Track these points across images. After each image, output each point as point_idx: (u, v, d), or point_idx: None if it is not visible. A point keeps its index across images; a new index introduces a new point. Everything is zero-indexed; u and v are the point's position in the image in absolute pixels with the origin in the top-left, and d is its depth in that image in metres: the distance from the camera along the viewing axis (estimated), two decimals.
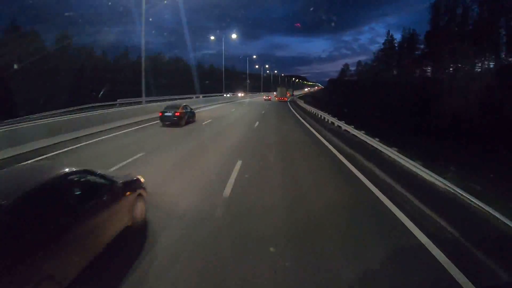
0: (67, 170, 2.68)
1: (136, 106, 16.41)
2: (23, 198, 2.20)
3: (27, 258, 1.99)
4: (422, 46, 41.52)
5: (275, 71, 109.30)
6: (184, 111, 13.10)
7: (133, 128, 11.91)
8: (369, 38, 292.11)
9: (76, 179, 2.78)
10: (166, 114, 12.70)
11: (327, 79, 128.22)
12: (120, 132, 10.84)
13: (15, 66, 20.59)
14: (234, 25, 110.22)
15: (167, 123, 12.57)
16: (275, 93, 59.81)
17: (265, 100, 43.59)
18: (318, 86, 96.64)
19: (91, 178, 2.98)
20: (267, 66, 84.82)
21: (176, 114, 12.60)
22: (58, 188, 2.52)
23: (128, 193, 3.37)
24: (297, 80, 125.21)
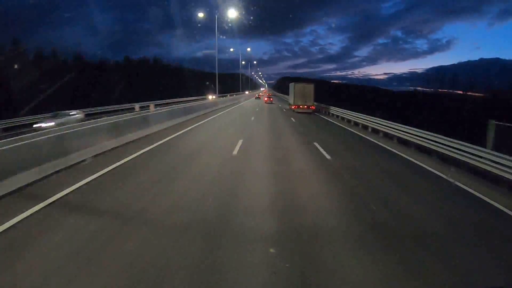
0: None
1: None
2: None
3: None
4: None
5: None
6: None
7: None
8: (311, 40, 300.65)
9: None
10: None
11: (270, 82, 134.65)
12: None
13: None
14: (170, 28, 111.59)
15: None
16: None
17: None
18: (265, 88, 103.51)
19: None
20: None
21: None
22: None
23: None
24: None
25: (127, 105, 26.75)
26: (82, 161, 6.65)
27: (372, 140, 12.11)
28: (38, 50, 34.81)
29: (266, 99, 37.15)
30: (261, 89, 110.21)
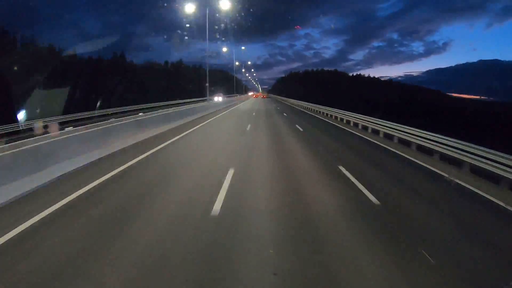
0: None
1: None
2: None
3: None
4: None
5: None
6: None
7: None
8: (305, 44, 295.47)
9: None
10: None
11: (264, 87, 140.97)
12: None
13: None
14: (160, 33, 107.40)
15: None
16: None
17: None
18: (260, 92, 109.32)
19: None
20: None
21: None
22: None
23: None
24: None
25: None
26: None
27: None
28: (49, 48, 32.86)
29: (263, 96, 72.57)
30: (250, 93, 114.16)
